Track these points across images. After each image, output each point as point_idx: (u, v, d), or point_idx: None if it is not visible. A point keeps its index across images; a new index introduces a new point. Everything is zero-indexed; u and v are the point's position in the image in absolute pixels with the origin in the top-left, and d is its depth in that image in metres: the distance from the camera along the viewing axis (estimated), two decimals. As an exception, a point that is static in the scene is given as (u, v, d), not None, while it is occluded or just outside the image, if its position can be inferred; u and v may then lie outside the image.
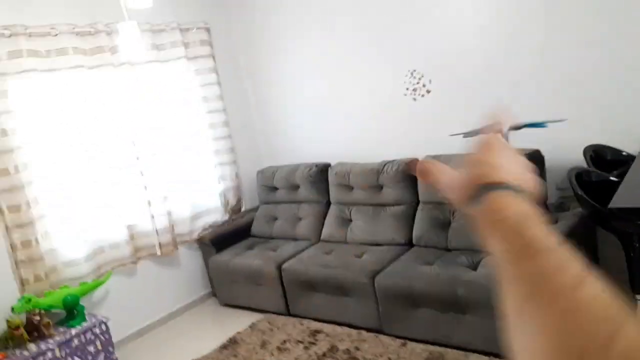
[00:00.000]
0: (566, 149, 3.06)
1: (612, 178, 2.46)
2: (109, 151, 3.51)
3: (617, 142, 2.87)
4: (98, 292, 3.46)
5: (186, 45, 3.98)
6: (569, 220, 2.66)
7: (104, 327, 3.17)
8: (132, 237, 3.63)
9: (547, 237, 0.41)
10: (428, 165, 0.57)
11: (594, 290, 0.37)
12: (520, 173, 0.50)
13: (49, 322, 2.94)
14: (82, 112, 3.36)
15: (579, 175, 2.44)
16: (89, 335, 3.09)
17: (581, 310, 0.35)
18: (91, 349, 3.10)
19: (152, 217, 3.69)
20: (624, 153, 2.79)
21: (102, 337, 3.16)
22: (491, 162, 0.51)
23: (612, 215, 1.96)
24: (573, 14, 2.87)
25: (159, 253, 3.73)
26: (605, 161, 2.81)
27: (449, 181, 0.54)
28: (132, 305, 3.65)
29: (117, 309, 3.55)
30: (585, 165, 2.96)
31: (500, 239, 0.43)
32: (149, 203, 3.67)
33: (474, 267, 2.76)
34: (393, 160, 3.51)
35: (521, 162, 0.52)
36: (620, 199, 2.03)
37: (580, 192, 2.29)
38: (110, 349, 3.20)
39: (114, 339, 3.48)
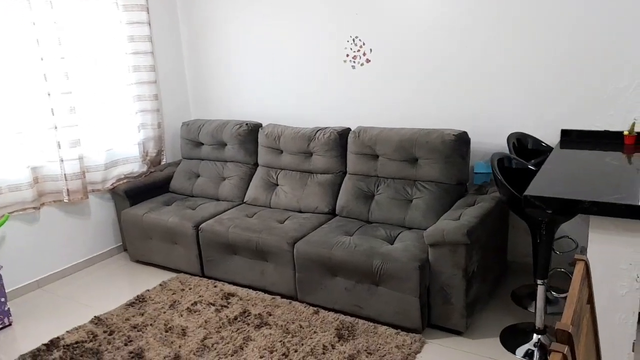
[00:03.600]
0: (491, 134, 3.15)
1: (530, 167, 2.55)
2: (17, 84, 3.15)
3: (538, 132, 2.98)
4: (-9, 237, 3.16)
5: (114, -24, 3.62)
6: (487, 203, 2.74)
7: (-5, 275, 2.91)
8: (35, 179, 3.32)
9: None
10: None
11: None
12: None
13: None
14: (-16, 35, 2.97)
15: (501, 161, 2.51)
16: (-23, 283, 2.82)
17: None
18: (-21, 298, 2.83)
19: (62, 160, 3.39)
20: (543, 144, 2.90)
21: (-8, 286, 2.90)
22: None
23: (526, 202, 2.02)
24: (511, 2, 2.89)
25: (66, 200, 3.45)
26: (526, 150, 2.92)
27: None
28: (32, 254, 3.38)
29: (13, 257, 3.27)
30: (507, 151, 3.06)
31: None
32: (59, 145, 3.37)
33: (392, 240, 2.79)
34: (326, 128, 3.44)
35: None
36: (535, 188, 2.11)
37: (499, 177, 2.35)
38: (2, 299, 2.95)
39: (7, 289, 3.23)
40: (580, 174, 2.26)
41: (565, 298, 2.71)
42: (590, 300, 1.34)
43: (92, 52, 3.57)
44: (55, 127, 3.34)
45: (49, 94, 3.29)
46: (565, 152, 2.71)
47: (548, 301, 2.82)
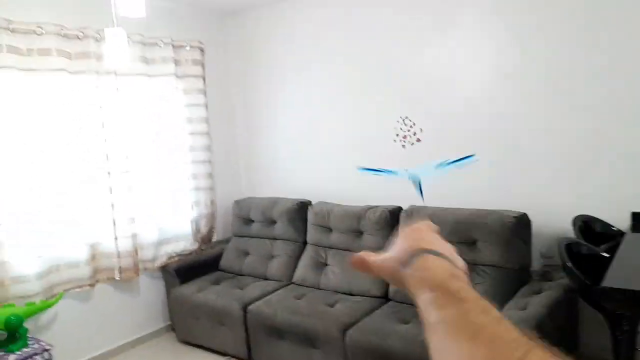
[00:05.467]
0: (554, 216, 2.99)
1: (602, 253, 2.37)
2: (80, 163, 3.31)
3: (607, 215, 2.80)
4: (45, 315, 3.18)
5: (177, 62, 3.86)
6: (554, 292, 2.55)
7: (46, 355, 2.89)
8: (93, 257, 3.38)
9: (469, 289, 0.50)
10: (361, 256, 0.62)
11: (509, 326, 0.45)
12: (447, 250, 0.57)
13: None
14: (57, 119, 3.17)
15: (569, 247, 2.35)
16: (28, 362, 2.81)
17: (501, 340, 0.44)
18: (28, 378, 2.81)
19: (116, 238, 3.46)
20: (613, 228, 2.72)
21: (42, 366, 2.87)
22: (423, 237, 0.59)
23: (603, 294, 1.85)
24: (574, 79, 2.84)
25: (117, 277, 3.48)
26: (593, 233, 2.73)
27: (382, 263, 0.60)
28: (82, 333, 3.37)
29: (64, 335, 3.26)
30: (571, 234, 2.88)
31: (429, 289, 0.51)
32: (114, 222, 3.45)
33: (452, 330, 2.60)
34: (377, 206, 3.38)
35: (447, 244, 0.59)
36: (613, 278, 1.93)
37: (569, 264, 2.19)
38: (51, 380, 2.91)
39: (57, 368, 3.20)
40: (662, 264, 2.07)
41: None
42: None
43: (152, 133, 3.72)
44: (112, 206, 3.44)
45: (109, 173, 3.43)
46: (639, 237, 2.52)
47: (632, 406, 2.51)
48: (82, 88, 3.28)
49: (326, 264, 3.47)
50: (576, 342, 2.90)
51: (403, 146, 3.55)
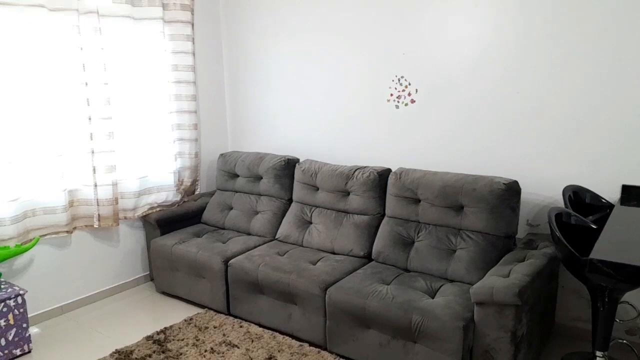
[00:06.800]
0: (543, 185, 2.95)
1: (591, 225, 2.34)
2: (59, 107, 3.16)
3: (596, 186, 2.76)
4: (20, 260, 3.11)
5: (165, 6, 3.67)
6: (537, 260, 2.52)
7: (19, 299, 2.84)
8: (70, 203, 3.29)
9: None
10: None
11: None
12: None
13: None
14: (34, 59, 3.00)
15: (559, 216, 2.31)
16: (1, 306, 2.76)
17: None
18: (1, 322, 2.76)
19: (95, 185, 3.36)
20: (603, 200, 2.68)
21: (16, 311, 2.83)
22: None
23: (591, 266, 1.82)
24: (570, 49, 2.74)
25: (96, 225, 3.40)
26: (582, 204, 2.70)
27: None
28: (58, 279, 3.32)
29: (39, 281, 3.21)
30: (559, 204, 2.85)
31: None
32: (94, 170, 3.34)
33: (432, 294, 2.59)
34: (365, 167, 3.31)
35: None
36: (600, 251, 1.90)
37: (558, 234, 2.15)
38: (24, 325, 2.87)
39: (31, 313, 3.17)
40: (651, 238, 2.04)
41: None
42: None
43: (135, 79, 3.57)
44: (93, 152, 3.32)
45: (89, 119, 3.29)
46: (628, 209, 2.49)
47: (605, 375, 2.54)
48: (61, 27, 3.10)
49: (310, 222, 3.42)
50: (553, 309, 2.92)
51: (396, 107, 3.44)
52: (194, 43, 3.88)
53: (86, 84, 3.24)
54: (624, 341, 2.64)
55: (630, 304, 2.66)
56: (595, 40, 2.68)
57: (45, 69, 3.06)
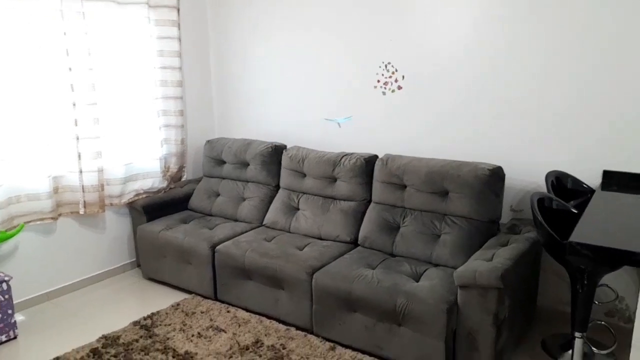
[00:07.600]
0: (527, 170, 3.00)
1: (572, 209, 2.38)
2: (43, 93, 3.12)
3: (578, 172, 2.81)
4: (5, 246, 3.09)
5: (149, -10, 3.62)
6: (520, 244, 2.57)
7: (5, 286, 2.83)
8: (55, 189, 3.26)
9: None
10: None
11: None
12: None
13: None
14: (16, 43, 2.96)
15: (541, 201, 2.35)
16: (-15, 293, 2.75)
17: None
18: (-14, 308, 2.75)
19: (81, 172, 3.33)
20: (584, 185, 2.73)
21: (1, 297, 2.81)
22: None
23: (570, 250, 1.86)
24: (556, 38, 2.76)
25: (82, 212, 3.38)
26: (565, 190, 2.75)
27: None
28: (44, 265, 3.30)
29: (24, 267, 3.19)
30: (542, 189, 2.90)
31: None
32: (79, 156, 3.31)
33: (417, 277, 2.63)
34: (352, 153, 3.33)
35: None
36: (581, 234, 1.95)
37: (540, 218, 2.20)
38: (10, 311, 2.86)
39: (17, 299, 3.15)
40: (629, 221, 2.08)
41: (607, 355, 2.50)
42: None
43: (120, 65, 3.54)
44: (78, 138, 3.29)
45: (74, 105, 3.26)
46: (608, 195, 2.54)
47: (584, 355, 2.61)
48: (44, 11, 3.05)
49: (298, 209, 3.44)
50: (535, 292, 2.98)
51: (383, 93, 3.45)
52: (179, 28, 3.84)
53: (70, 69, 3.20)
54: (603, 322, 2.71)
55: (609, 287, 2.73)
56: (581, 30, 2.71)
57: (28, 55, 3.02)
